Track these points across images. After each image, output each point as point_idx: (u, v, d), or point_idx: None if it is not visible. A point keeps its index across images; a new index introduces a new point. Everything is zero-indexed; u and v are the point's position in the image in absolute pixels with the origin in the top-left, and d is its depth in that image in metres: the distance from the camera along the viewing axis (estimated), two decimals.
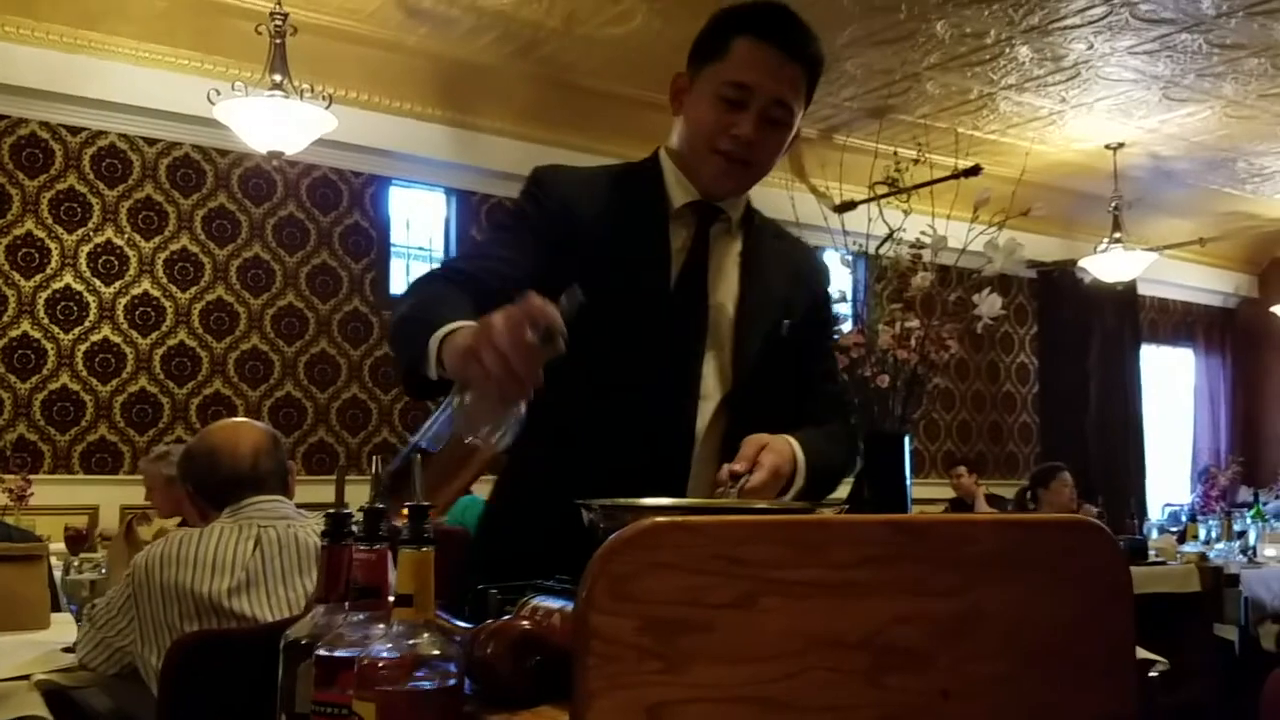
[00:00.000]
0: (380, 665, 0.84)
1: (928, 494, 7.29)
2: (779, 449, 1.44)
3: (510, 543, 1.55)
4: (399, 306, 1.43)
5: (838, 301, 3.21)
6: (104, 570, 3.54)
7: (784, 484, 1.45)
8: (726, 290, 1.62)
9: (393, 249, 6.56)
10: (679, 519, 0.82)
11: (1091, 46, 6.02)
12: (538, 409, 1.32)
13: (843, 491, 1.96)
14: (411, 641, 0.85)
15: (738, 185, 1.64)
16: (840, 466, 1.68)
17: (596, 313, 1.30)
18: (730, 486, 1.37)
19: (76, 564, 3.83)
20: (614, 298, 1.47)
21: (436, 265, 1.57)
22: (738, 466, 1.40)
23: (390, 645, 0.85)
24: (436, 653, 0.84)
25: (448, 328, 1.22)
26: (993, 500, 7.00)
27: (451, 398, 1.14)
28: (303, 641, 0.98)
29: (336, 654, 0.91)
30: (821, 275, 1.78)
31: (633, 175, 1.66)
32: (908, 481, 2.66)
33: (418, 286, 1.49)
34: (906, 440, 2.68)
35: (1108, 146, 7.52)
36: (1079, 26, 5.78)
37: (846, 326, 3.07)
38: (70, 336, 5.54)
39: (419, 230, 6.73)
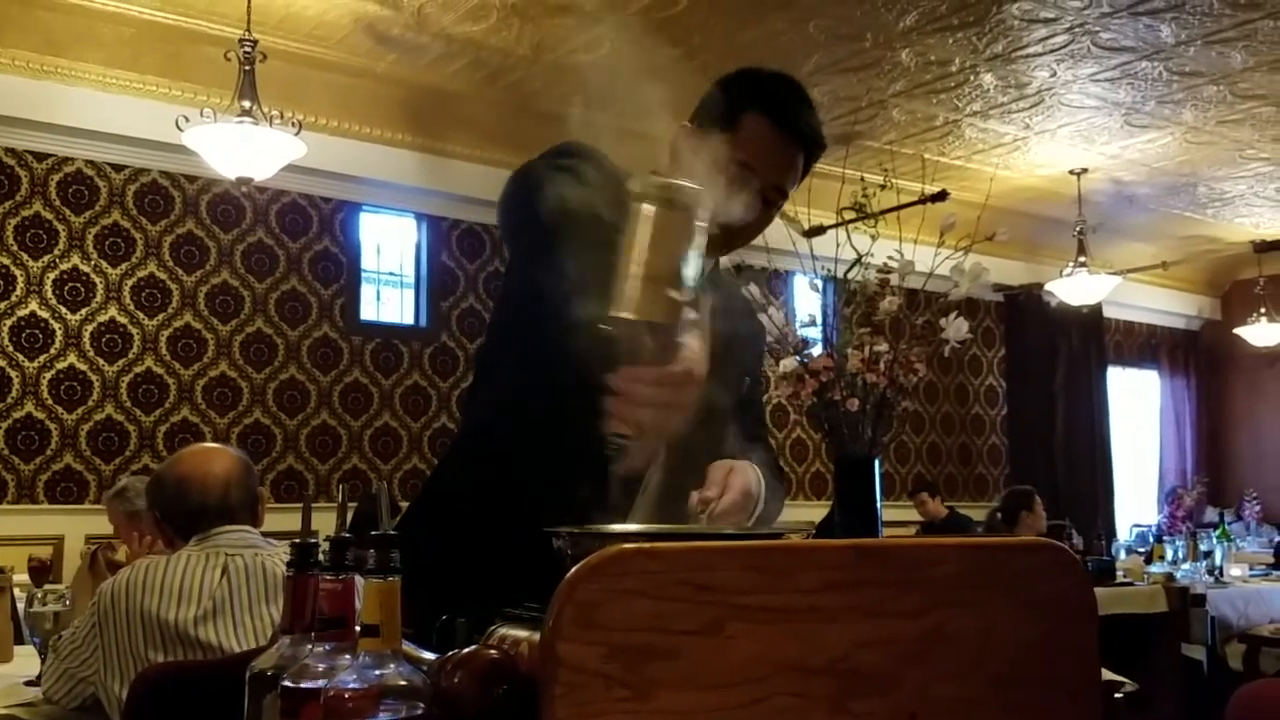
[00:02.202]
0: (346, 696, 0.83)
1: (899, 516, 7.32)
2: (743, 470, 1.45)
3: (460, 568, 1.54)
4: None
5: (807, 325, 3.23)
6: (68, 602, 3.49)
7: (753, 506, 1.46)
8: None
9: (363, 274, 6.54)
10: (645, 545, 0.82)
11: (1054, 74, 6.12)
12: (485, 443, 1.38)
13: (814, 515, 1.97)
14: (378, 672, 0.84)
15: (721, 253, 1.67)
16: (781, 489, 1.71)
17: (560, 351, 1.31)
18: (701, 512, 1.38)
19: (40, 595, 3.78)
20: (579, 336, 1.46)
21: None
22: (709, 493, 1.40)
23: (356, 676, 0.84)
24: (403, 683, 0.84)
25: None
26: (960, 520, 7.04)
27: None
28: (268, 672, 0.97)
29: (302, 685, 0.90)
30: (753, 315, 1.84)
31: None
32: (878, 505, 2.68)
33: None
34: (877, 463, 2.70)
35: (1071, 172, 7.63)
36: (1042, 55, 5.87)
37: (816, 350, 3.10)
38: (35, 364, 5.48)
39: (389, 256, 6.71)
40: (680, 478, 1.42)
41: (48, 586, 4.01)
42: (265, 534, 2.31)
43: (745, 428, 1.68)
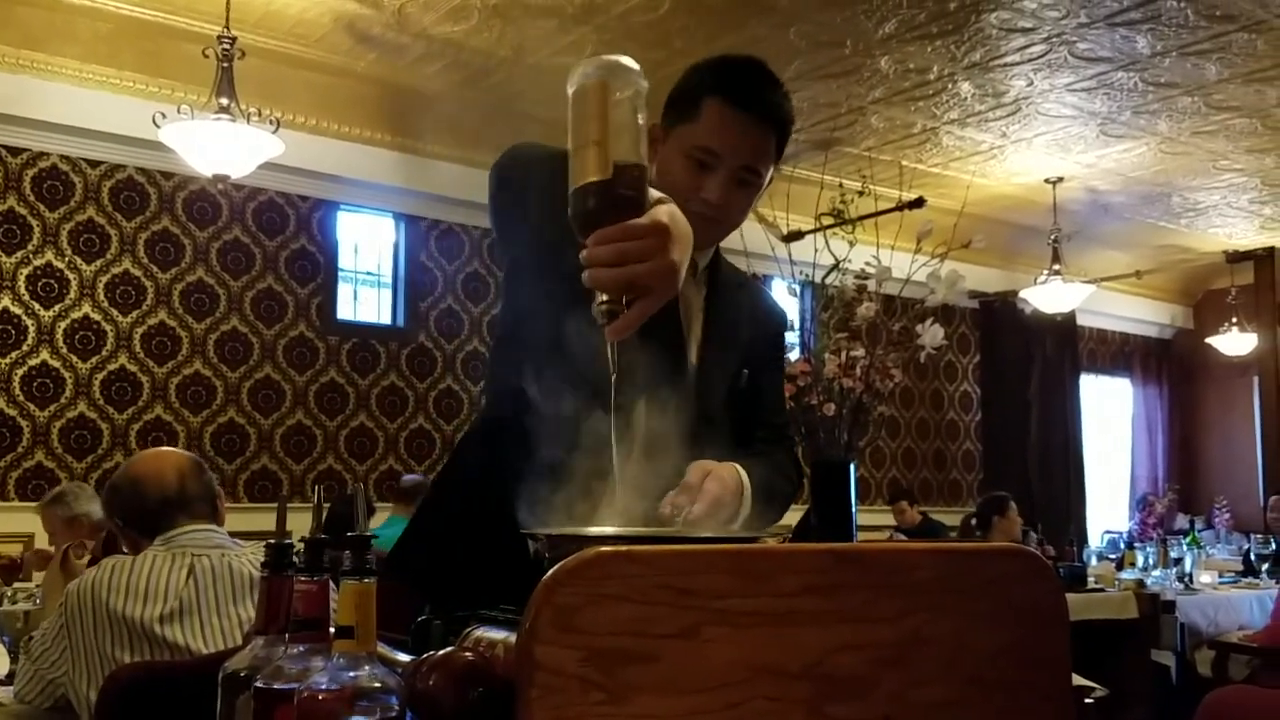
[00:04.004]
0: (320, 698, 0.83)
1: (873, 521, 7.35)
2: (723, 476, 1.44)
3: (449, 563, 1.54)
4: None
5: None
6: (39, 601, 3.45)
7: (730, 511, 1.45)
8: (691, 338, 1.63)
9: (340, 274, 6.51)
10: (623, 549, 0.82)
11: (1031, 83, 6.16)
12: (491, 446, 1.38)
13: (790, 519, 1.97)
14: (352, 674, 0.84)
15: (707, 241, 1.65)
16: (785, 493, 1.70)
17: (568, 355, 1.36)
18: (675, 517, 1.37)
19: (10, 594, 3.74)
20: (583, 342, 1.45)
21: None
22: (680, 499, 1.40)
23: (330, 677, 0.84)
24: (378, 685, 0.84)
25: None
26: (933, 526, 7.07)
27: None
28: (241, 674, 0.97)
29: (275, 686, 0.90)
30: (777, 317, 1.81)
31: None
32: (853, 509, 2.69)
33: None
34: (852, 467, 2.71)
35: (1047, 180, 7.68)
36: (1019, 64, 5.91)
37: (794, 355, 3.11)
38: (7, 360, 5.42)
39: (367, 255, 6.69)
40: (652, 469, 1.42)
41: (17, 585, 3.97)
42: (239, 534, 2.29)
43: (748, 426, 1.68)
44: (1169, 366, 10.75)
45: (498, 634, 0.97)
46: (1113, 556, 6.81)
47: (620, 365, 1.38)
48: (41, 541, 5.27)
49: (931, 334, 2.91)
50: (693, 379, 1.60)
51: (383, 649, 0.93)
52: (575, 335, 1.33)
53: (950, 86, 6.22)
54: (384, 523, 5.06)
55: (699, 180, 1.56)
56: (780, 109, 1.60)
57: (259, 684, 0.91)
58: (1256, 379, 9.72)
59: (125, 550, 2.31)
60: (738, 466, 1.49)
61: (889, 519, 7.20)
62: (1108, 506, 10.19)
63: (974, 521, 6.11)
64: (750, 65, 1.62)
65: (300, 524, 1.04)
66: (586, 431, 1.38)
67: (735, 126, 1.56)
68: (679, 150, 1.58)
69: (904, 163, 7.17)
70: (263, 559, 1.04)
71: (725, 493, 1.44)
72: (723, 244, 1.79)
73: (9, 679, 2.28)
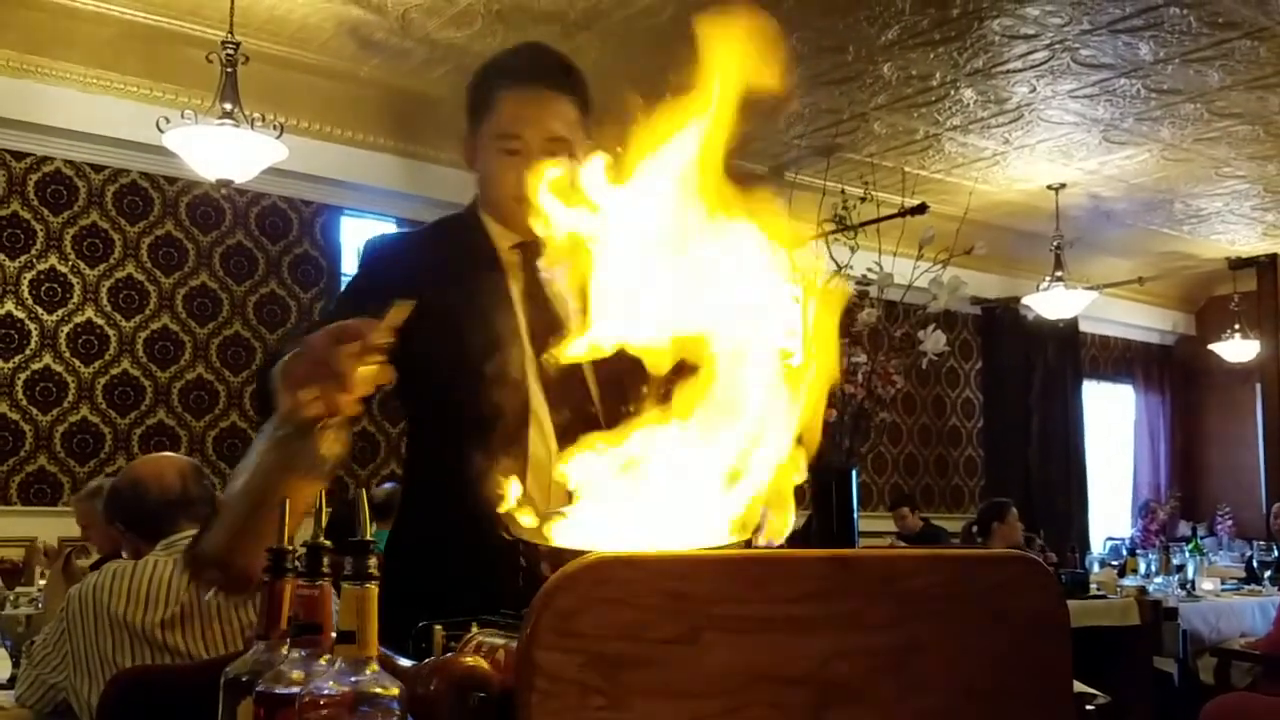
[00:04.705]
0: (321, 703, 0.83)
1: (875, 527, 7.34)
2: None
3: (416, 577, 1.57)
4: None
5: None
6: (40, 605, 3.46)
7: None
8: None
9: (343, 278, 6.51)
10: (623, 554, 0.82)
11: (1034, 90, 6.17)
12: (421, 459, 1.53)
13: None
14: (353, 678, 0.84)
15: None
16: None
17: (459, 364, 1.50)
18: None
19: (12, 598, 3.74)
20: (471, 349, 1.55)
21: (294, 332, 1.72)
22: None
23: (332, 682, 0.84)
24: (378, 690, 0.84)
25: (286, 357, 1.27)
26: (934, 532, 7.07)
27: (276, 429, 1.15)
28: (243, 678, 0.97)
29: (277, 691, 0.90)
30: None
31: (458, 230, 1.73)
32: (855, 515, 2.69)
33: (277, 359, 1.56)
34: (854, 474, 2.71)
35: (1049, 187, 7.69)
36: (1022, 70, 5.92)
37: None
38: (10, 365, 5.43)
39: None
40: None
41: (19, 589, 3.97)
42: None
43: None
44: (1171, 373, 10.74)
45: (498, 639, 0.97)
46: (1115, 563, 6.80)
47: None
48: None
49: (933, 340, 2.92)
50: (589, 372, 1.62)
51: (384, 654, 0.93)
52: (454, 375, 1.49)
53: (953, 93, 6.23)
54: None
55: (517, 170, 1.60)
56: (562, 73, 1.66)
57: (260, 688, 0.91)
58: (1259, 385, 9.72)
59: (126, 555, 2.31)
60: None
61: (891, 525, 7.20)
62: (1110, 513, 10.18)
63: (975, 528, 6.11)
64: (526, 46, 1.71)
65: (302, 529, 1.04)
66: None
67: (527, 104, 1.62)
68: (488, 147, 1.65)
69: (906, 169, 7.17)
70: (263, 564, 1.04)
71: None
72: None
73: (10, 682, 2.28)
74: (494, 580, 1.36)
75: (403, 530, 1.70)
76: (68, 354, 5.58)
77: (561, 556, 0.97)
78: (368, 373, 1.18)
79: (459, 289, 1.62)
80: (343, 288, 1.76)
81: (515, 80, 1.64)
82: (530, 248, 1.67)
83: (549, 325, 1.61)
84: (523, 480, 1.56)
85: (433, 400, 1.64)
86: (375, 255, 1.72)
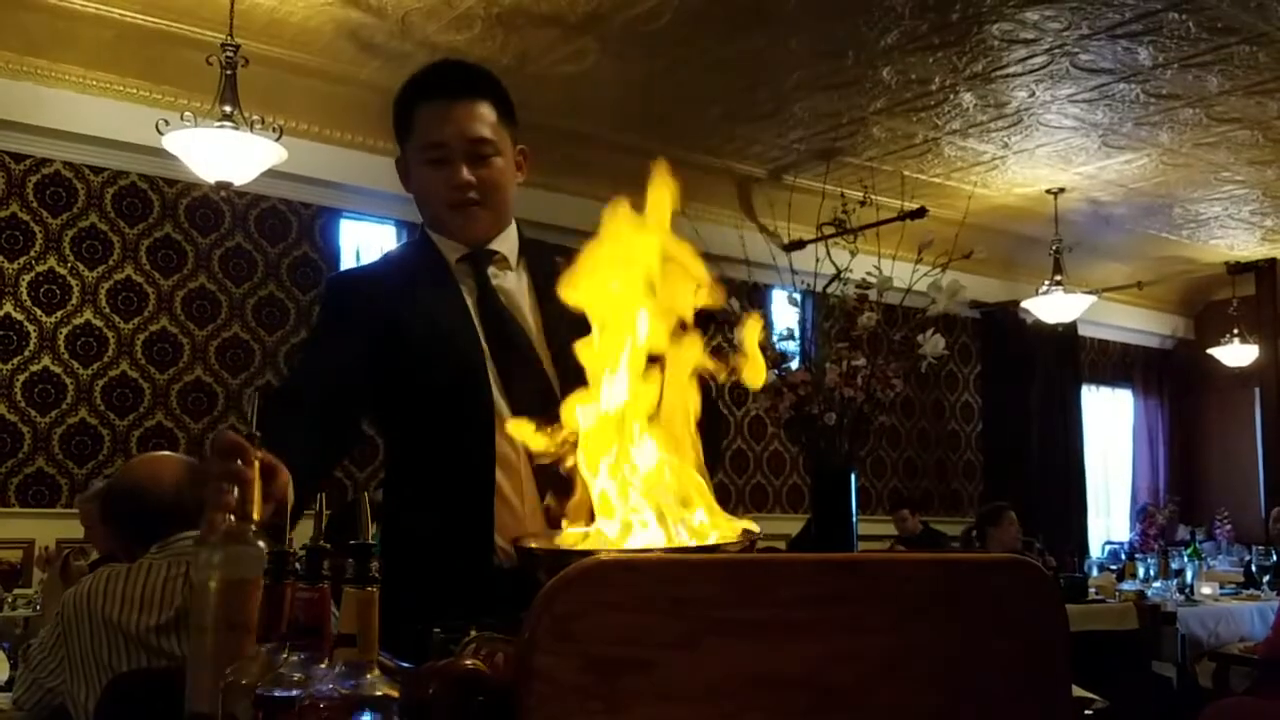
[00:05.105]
0: (321, 705, 0.83)
1: (874, 530, 7.34)
2: None
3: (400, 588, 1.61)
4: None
5: (786, 339, 3.24)
6: (38, 607, 3.46)
7: None
8: (532, 324, 1.72)
9: None
10: (622, 558, 0.83)
11: (1033, 94, 6.17)
12: (399, 470, 1.65)
13: (792, 528, 1.98)
14: (353, 682, 0.84)
15: (489, 225, 1.75)
16: None
17: (426, 382, 1.60)
18: None
19: (10, 600, 3.74)
20: (436, 365, 1.63)
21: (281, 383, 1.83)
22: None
23: (332, 685, 0.84)
24: (378, 693, 0.84)
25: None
26: (933, 536, 7.07)
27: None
28: (243, 682, 0.97)
29: (276, 694, 0.90)
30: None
31: (412, 253, 1.83)
32: (854, 518, 2.69)
33: (267, 414, 1.60)
34: (853, 477, 2.71)
35: (1048, 191, 7.69)
36: (1021, 75, 5.92)
37: (794, 364, 3.11)
38: (9, 366, 5.43)
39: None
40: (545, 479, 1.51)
41: (17, 591, 3.97)
42: None
43: None
44: (1170, 377, 10.74)
45: (497, 643, 0.97)
46: (1113, 567, 6.80)
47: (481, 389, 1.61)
48: (43, 545, 5.29)
49: (932, 344, 2.92)
50: (546, 359, 1.68)
51: (383, 657, 0.93)
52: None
53: (952, 97, 6.23)
54: None
55: (442, 176, 1.69)
56: (475, 79, 1.73)
57: (260, 691, 0.91)
58: (1258, 390, 9.72)
59: (120, 556, 2.30)
60: None
61: (890, 529, 7.19)
62: (1108, 517, 10.18)
63: (974, 533, 6.11)
64: (439, 62, 1.79)
65: (301, 531, 1.05)
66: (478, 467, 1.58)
67: (443, 113, 1.68)
68: (417, 161, 1.72)
69: (905, 173, 7.18)
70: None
71: None
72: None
73: (8, 685, 2.27)
74: (480, 585, 1.40)
75: (389, 540, 1.72)
76: (66, 355, 5.58)
77: (560, 560, 0.97)
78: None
79: (419, 304, 1.69)
80: (312, 327, 1.84)
81: (430, 94, 1.71)
82: (477, 257, 1.74)
83: (503, 328, 1.69)
84: (494, 483, 1.61)
85: (405, 415, 1.70)
86: (336, 293, 1.81)
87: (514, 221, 1.79)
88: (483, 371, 1.64)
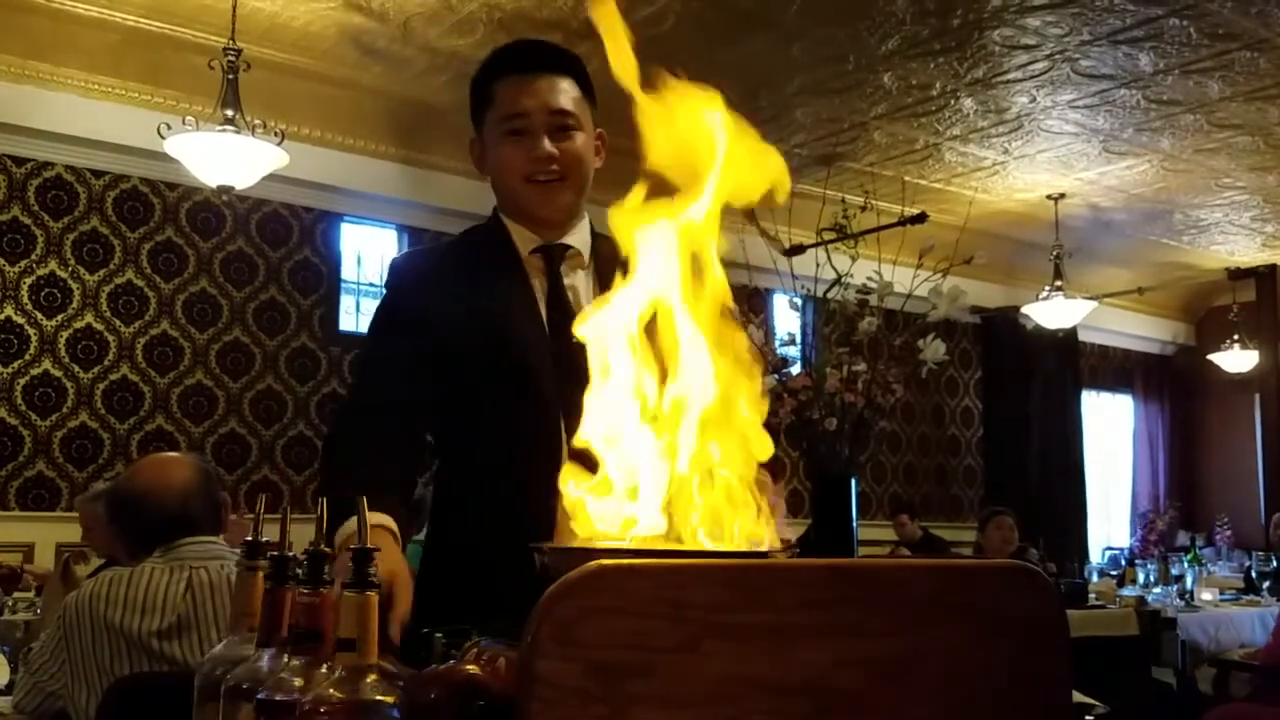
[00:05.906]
0: (322, 710, 0.83)
1: (874, 536, 7.33)
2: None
3: (450, 589, 1.56)
4: (332, 455, 1.61)
5: (786, 344, 3.24)
6: (39, 611, 3.45)
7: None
8: None
9: (343, 285, 6.52)
10: (623, 562, 0.82)
11: (1034, 100, 6.18)
12: (454, 467, 1.62)
13: (792, 533, 1.97)
14: (354, 686, 0.84)
15: (569, 203, 1.69)
16: None
17: (484, 377, 1.54)
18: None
19: (10, 604, 3.74)
20: (497, 363, 1.58)
21: (354, 402, 1.73)
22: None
23: (332, 690, 0.84)
24: (379, 698, 0.84)
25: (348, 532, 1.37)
26: (933, 541, 7.06)
27: None
28: (243, 685, 0.97)
29: (277, 698, 0.90)
30: None
31: (482, 239, 1.74)
32: (854, 524, 2.69)
33: (344, 439, 1.62)
34: (853, 482, 2.71)
35: (1049, 197, 7.69)
36: (1022, 80, 5.93)
37: (795, 369, 3.10)
38: (10, 369, 5.43)
39: (370, 266, 6.70)
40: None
41: (17, 594, 3.97)
42: (238, 545, 2.28)
43: None
44: (1170, 383, 10.74)
45: (498, 647, 0.97)
46: (1114, 573, 6.80)
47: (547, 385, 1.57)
48: (44, 549, 5.29)
49: (933, 349, 2.91)
50: None
51: (384, 661, 0.93)
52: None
53: (953, 103, 6.24)
54: None
55: (523, 148, 1.63)
56: (557, 54, 1.70)
57: (261, 695, 0.91)
58: (1258, 396, 9.71)
59: (123, 558, 2.30)
60: None
61: (890, 534, 7.19)
62: (1109, 523, 10.17)
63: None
64: (520, 41, 1.77)
65: (302, 535, 1.05)
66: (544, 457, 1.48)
67: (525, 85, 1.65)
68: (496, 136, 1.66)
69: (906, 178, 7.18)
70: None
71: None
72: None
73: (8, 689, 2.27)
74: (525, 589, 1.36)
75: (438, 539, 1.69)
76: (67, 359, 5.58)
77: (565, 561, 0.97)
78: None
79: (485, 295, 1.64)
80: (376, 310, 1.77)
81: (510, 68, 1.67)
82: (551, 251, 1.68)
83: (569, 326, 1.64)
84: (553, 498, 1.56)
85: (461, 410, 1.63)
86: (401, 275, 1.74)
87: (586, 213, 1.73)
88: (545, 373, 1.58)
